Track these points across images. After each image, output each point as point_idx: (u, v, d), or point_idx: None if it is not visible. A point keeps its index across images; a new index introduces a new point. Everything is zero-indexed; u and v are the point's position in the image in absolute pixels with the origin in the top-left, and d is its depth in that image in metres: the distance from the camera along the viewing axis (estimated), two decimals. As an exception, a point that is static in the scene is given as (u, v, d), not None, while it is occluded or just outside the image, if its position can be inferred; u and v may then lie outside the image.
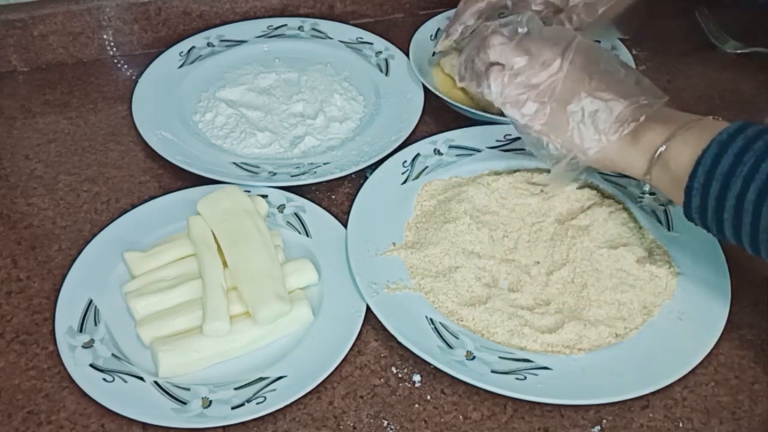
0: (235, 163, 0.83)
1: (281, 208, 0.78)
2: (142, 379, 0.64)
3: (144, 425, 0.62)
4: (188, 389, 0.63)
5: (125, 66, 0.99)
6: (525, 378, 0.64)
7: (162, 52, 0.97)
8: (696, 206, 0.61)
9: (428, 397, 0.65)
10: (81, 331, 0.67)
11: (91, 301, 0.69)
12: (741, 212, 0.58)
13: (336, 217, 0.77)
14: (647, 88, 0.69)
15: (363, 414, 0.64)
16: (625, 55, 0.97)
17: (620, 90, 0.68)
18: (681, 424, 0.64)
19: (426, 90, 0.91)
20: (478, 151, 0.84)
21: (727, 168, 0.58)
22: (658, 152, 0.63)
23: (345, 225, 0.76)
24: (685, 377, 0.65)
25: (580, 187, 0.79)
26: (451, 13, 1.02)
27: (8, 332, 0.69)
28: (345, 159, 0.84)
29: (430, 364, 0.66)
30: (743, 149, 0.58)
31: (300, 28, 1.02)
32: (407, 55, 0.96)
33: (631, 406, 0.64)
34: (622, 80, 0.69)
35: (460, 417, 0.64)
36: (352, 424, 0.63)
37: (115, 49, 1.00)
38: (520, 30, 0.72)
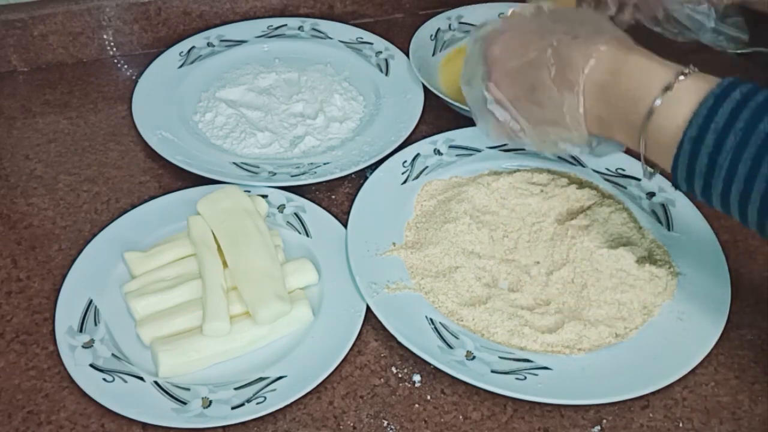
0: (235, 163, 0.83)
1: (281, 208, 0.78)
2: (142, 379, 0.64)
3: (144, 425, 0.62)
4: (188, 389, 0.63)
5: (125, 66, 0.99)
6: (525, 378, 0.64)
7: (162, 52, 0.97)
8: (683, 171, 0.58)
9: (428, 397, 0.65)
10: (81, 331, 0.67)
11: (91, 301, 0.69)
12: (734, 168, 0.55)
13: (336, 217, 0.77)
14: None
15: (363, 414, 0.64)
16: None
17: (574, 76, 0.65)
18: (681, 424, 0.64)
19: (426, 90, 0.91)
20: (478, 151, 0.84)
21: (721, 128, 0.55)
22: (641, 130, 0.60)
23: (345, 225, 0.76)
24: (685, 377, 0.65)
25: (580, 188, 0.79)
26: (451, 13, 1.03)
27: (8, 332, 0.69)
28: (345, 159, 0.84)
29: (430, 364, 0.66)
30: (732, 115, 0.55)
31: (300, 28, 1.02)
32: (407, 55, 0.96)
33: (631, 406, 0.64)
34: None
35: (460, 417, 0.64)
36: (352, 424, 0.63)
37: (115, 49, 1.00)
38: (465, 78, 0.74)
